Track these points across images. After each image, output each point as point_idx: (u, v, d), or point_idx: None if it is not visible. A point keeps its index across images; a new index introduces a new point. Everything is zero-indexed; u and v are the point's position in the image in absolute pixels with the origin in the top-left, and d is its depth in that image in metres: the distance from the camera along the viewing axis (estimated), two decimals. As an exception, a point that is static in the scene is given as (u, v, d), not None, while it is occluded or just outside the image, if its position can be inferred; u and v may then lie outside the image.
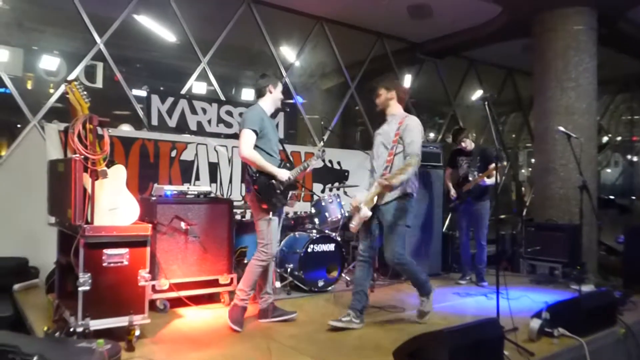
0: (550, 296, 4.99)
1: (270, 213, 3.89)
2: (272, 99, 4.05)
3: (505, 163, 6.15)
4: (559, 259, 6.17)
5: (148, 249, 3.48)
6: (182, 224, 4.32)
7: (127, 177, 3.60)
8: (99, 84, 6.31)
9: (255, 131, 3.83)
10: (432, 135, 10.32)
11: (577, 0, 6.82)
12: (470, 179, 5.76)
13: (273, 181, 3.88)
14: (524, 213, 10.34)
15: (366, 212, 3.92)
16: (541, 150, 7.33)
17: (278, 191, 3.90)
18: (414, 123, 4.01)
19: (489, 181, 5.69)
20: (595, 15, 7.10)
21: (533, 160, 8.59)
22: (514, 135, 12.31)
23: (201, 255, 4.44)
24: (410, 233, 5.87)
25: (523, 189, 11.75)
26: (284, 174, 3.92)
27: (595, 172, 7.44)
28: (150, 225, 3.54)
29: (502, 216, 10.08)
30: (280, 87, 4.07)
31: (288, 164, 4.08)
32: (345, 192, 6.19)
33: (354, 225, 4.04)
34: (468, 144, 5.92)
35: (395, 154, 3.99)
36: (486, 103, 4.02)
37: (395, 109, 4.19)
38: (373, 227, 4.08)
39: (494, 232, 6.50)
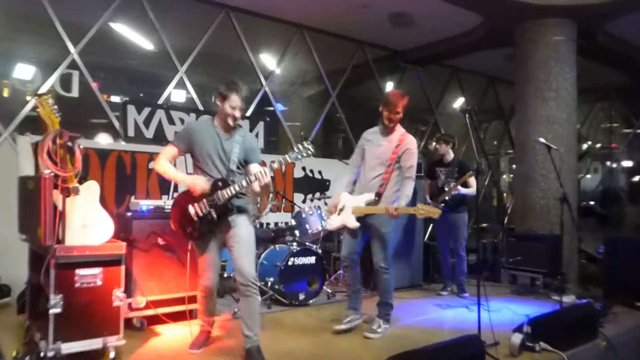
0: (531, 307, 5.00)
1: (190, 243, 3.59)
2: (219, 112, 3.52)
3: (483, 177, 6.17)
4: (539, 269, 6.18)
5: (123, 267, 3.37)
6: (159, 240, 4.22)
7: (104, 190, 3.51)
8: (74, 93, 6.15)
9: (175, 145, 3.53)
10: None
11: (557, 12, 6.85)
12: (446, 189, 5.64)
13: (189, 206, 3.41)
14: (505, 221, 10.37)
15: (354, 224, 4.08)
16: (522, 159, 7.34)
17: (196, 219, 3.41)
18: (414, 147, 4.18)
19: (466, 191, 5.64)
20: (575, 27, 7.15)
21: (514, 166, 8.62)
22: (495, 142, 12.38)
23: (179, 271, 4.31)
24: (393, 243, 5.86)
25: (505, 195, 11.80)
26: (198, 184, 3.38)
27: (575, 182, 7.49)
28: (124, 243, 3.42)
29: (484, 225, 10.10)
30: (232, 99, 3.41)
31: (220, 183, 3.40)
32: (325, 203, 6.13)
33: (333, 226, 4.23)
34: (443, 150, 5.88)
35: (392, 172, 4.16)
36: (467, 115, 3.99)
37: (398, 126, 4.31)
38: (359, 232, 4.19)
39: (475, 241, 6.50)
